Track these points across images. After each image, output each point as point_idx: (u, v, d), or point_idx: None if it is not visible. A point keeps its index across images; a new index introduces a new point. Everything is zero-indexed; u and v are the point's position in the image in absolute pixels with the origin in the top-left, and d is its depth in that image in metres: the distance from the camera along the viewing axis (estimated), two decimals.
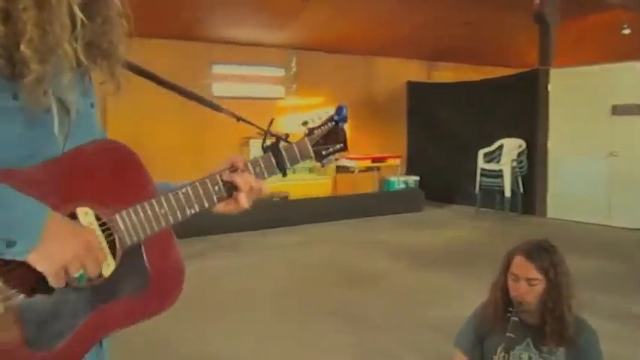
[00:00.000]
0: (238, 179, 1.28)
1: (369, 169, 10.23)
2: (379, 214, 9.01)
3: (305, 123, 1.44)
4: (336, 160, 1.46)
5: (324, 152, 1.41)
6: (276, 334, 4.21)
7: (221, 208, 1.31)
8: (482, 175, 8.98)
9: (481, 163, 8.99)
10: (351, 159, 9.96)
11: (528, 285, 2.20)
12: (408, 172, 10.72)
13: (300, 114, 9.93)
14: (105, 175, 1.13)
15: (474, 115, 9.70)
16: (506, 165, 8.67)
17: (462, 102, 9.98)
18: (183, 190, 1.22)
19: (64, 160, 1.08)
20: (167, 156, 8.69)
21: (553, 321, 2.17)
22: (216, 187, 1.27)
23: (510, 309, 2.21)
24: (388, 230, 8.03)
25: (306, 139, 1.39)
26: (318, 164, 1.43)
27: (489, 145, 9.09)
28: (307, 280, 5.58)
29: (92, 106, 1.23)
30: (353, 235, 7.74)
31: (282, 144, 1.38)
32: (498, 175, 8.71)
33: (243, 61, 9.49)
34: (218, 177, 1.28)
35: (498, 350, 2.16)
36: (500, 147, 9.01)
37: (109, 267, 1.11)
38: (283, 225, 8.08)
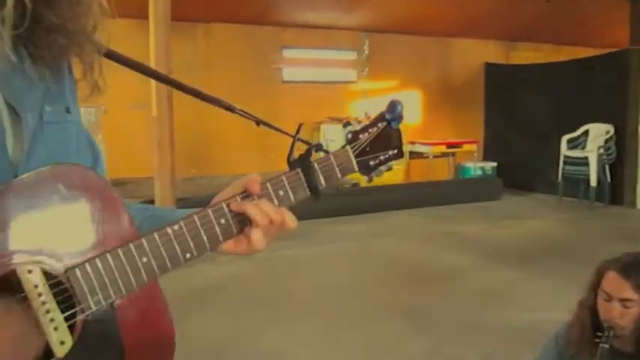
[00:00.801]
0: (252, 210, 0.92)
1: (443, 154, 9.88)
2: (454, 203, 8.63)
3: (347, 124, 1.20)
4: (388, 169, 1.15)
5: (372, 163, 1.10)
6: (338, 338, 4.00)
7: (229, 247, 0.96)
8: (565, 162, 8.45)
9: (564, 150, 8.47)
10: (425, 144, 9.66)
11: (622, 307, 1.89)
12: (485, 158, 10.27)
13: (372, 98, 9.70)
14: (57, 213, 0.80)
15: (557, 98, 9.12)
16: (592, 152, 8.13)
17: (544, 84, 9.41)
18: (175, 226, 0.87)
19: (6, 194, 0.78)
20: (234, 144, 8.67)
21: None
22: (222, 221, 0.92)
23: (600, 334, 1.92)
24: (463, 221, 7.67)
25: (347, 147, 1.08)
26: (365, 178, 1.12)
27: (573, 130, 8.53)
28: (374, 276, 5.34)
29: (67, 111, 0.98)
30: (425, 226, 7.43)
31: (317, 157, 1.06)
32: (583, 162, 8.18)
33: (314, 44, 9.29)
34: (225, 206, 0.92)
35: None
36: (586, 133, 8.44)
37: (64, 345, 0.80)
38: (353, 213, 7.84)
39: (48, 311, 0.78)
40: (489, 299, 4.67)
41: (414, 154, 9.77)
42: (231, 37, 8.60)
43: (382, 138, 1.11)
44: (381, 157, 1.11)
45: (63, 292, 0.80)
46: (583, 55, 9.19)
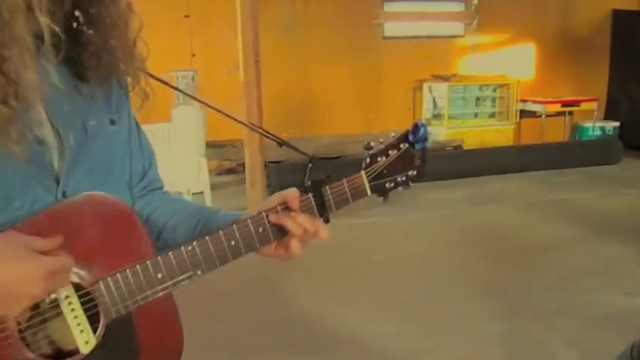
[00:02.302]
0: (290, 222, 1.06)
1: (558, 113, 9.17)
2: (567, 167, 7.94)
3: (369, 148, 1.16)
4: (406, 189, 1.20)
5: (387, 185, 1.16)
6: (420, 314, 3.81)
7: (268, 251, 1.10)
8: None
9: None
10: (537, 102, 9.00)
11: None
12: (607, 118, 9.39)
13: (481, 54, 9.11)
14: (88, 236, 0.97)
15: None
16: None
17: None
18: (189, 246, 1.01)
19: (39, 221, 0.94)
20: (334, 106, 8.47)
21: None
22: (261, 229, 1.07)
23: None
24: (574, 187, 7.05)
25: (362, 172, 1.14)
26: (381, 199, 1.17)
27: None
28: (462, 249, 5.01)
29: (112, 123, 1.10)
30: (531, 193, 6.90)
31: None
32: None
33: None
34: (264, 216, 1.07)
35: None
36: None
37: (87, 344, 0.96)
38: (454, 177, 7.39)
39: (75, 316, 0.94)
40: (585, 279, 4.28)
41: (525, 113, 9.18)
42: None
43: (403, 159, 1.16)
44: (398, 179, 1.16)
45: (89, 301, 0.96)
46: None
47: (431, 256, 4.86)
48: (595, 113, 9.19)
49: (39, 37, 0.92)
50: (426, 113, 8.96)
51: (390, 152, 1.15)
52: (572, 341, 3.35)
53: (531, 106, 9.06)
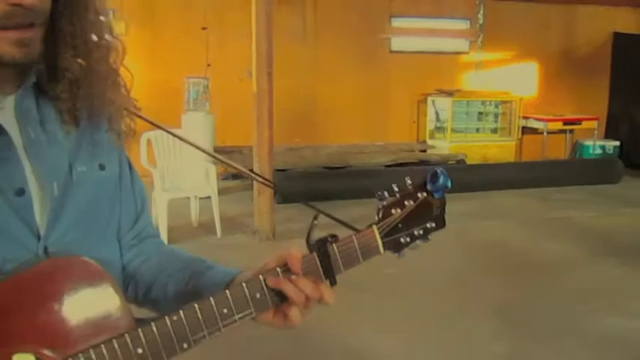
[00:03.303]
0: (290, 288, 0.94)
1: (560, 131, 9.31)
2: (567, 184, 8.05)
3: (381, 197, 1.03)
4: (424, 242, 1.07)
5: (402, 240, 1.03)
6: (427, 330, 3.83)
7: (265, 318, 0.97)
8: None
9: None
10: (539, 120, 9.13)
11: None
12: (607, 137, 9.55)
13: (485, 70, 9.25)
14: (58, 306, 0.84)
15: None
16: None
17: None
18: (174, 316, 0.88)
19: (3, 291, 0.83)
20: (341, 116, 8.58)
21: None
22: (258, 295, 0.93)
23: None
24: (576, 205, 7.14)
25: (374, 227, 1.01)
26: (395, 255, 1.04)
27: None
28: (466, 265, 5.05)
29: (102, 168, 1.00)
30: (532, 210, 7.00)
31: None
32: None
33: (424, 13, 8.93)
34: (262, 280, 0.94)
35: None
36: None
37: None
38: (454, 192, 7.46)
39: None
40: (591, 300, 4.28)
41: (527, 130, 9.29)
42: (339, 6, 8.44)
43: (420, 210, 1.04)
44: (415, 233, 1.04)
45: None
46: None
47: (438, 271, 4.87)
48: (595, 132, 9.33)
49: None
50: (430, 126, 9.08)
51: (406, 203, 1.03)
52: None
53: (533, 123, 9.19)
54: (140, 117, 1.04)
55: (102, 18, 0.95)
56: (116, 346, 0.84)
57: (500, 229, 6.15)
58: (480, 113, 9.33)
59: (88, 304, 0.87)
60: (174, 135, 1.21)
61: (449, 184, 1.04)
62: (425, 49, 9.01)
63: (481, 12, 9.16)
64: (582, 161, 9.09)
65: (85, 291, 0.87)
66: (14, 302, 0.83)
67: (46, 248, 0.90)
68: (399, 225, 1.03)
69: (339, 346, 3.61)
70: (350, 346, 3.61)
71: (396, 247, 1.04)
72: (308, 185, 7.14)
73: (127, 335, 0.85)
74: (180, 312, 0.89)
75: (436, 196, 1.05)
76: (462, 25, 9.24)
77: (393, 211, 1.02)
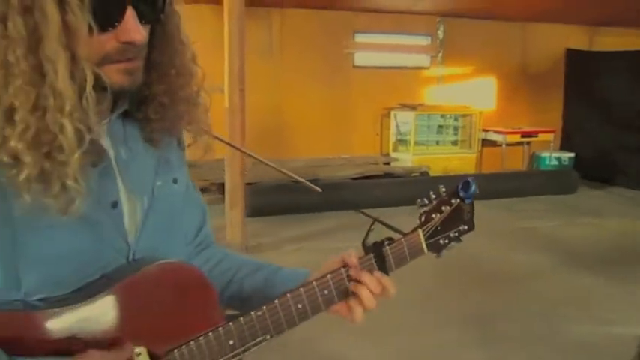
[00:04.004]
0: (361, 290, 1.09)
1: (518, 143, 9.61)
2: (527, 195, 8.34)
3: (422, 205, 1.19)
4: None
5: (442, 242, 1.20)
6: (404, 343, 3.92)
7: (334, 310, 1.12)
8: None
9: None
10: (498, 133, 9.41)
11: None
12: (563, 149, 9.91)
13: (445, 85, 9.49)
14: (164, 305, 0.98)
15: None
16: None
17: (628, 73, 8.93)
18: (259, 312, 1.02)
19: (118, 293, 0.94)
20: (307, 130, 8.67)
21: None
22: (326, 292, 1.08)
23: None
24: (535, 215, 7.41)
25: (419, 231, 1.18)
26: (433, 255, 1.20)
27: None
28: (439, 276, 5.14)
29: (175, 182, 1.11)
30: (497, 220, 7.19)
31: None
32: None
33: (386, 29, 9.12)
34: (330, 278, 1.09)
35: None
36: None
37: None
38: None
39: None
40: (562, 308, 4.47)
41: (486, 143, 9.56)
42: (304, 22, 8.56)
43: (454, 215, 1.20)
44: (451, 235, 1.21)
45: None
46: None
47: (411, 283, 4.98)
48: (551, 144, 9.66)
49: (102, 88, 0.90)
50: (393, 139, 9.26)
51: (443, 208, 1.20)
52: None
53: (492, 136, 9.47)
54: (216, 137, 1.16)
55: (186, 47, 1.04)
56: (212, 338, 0.98)
57: (469, 241, 6.23)
58: (441, 127, 9.56)
59: (190, 302, 1.00)
60: (248, 154, 1.30)
61: (477, 191, 1.20)
62: (388, 64, 9.21)
63: (441, 28, 9.42)
64: (540, 173, 9.41)
65: (187, 291, 1.00)
66: (129, 301, 0.94)
67: (134, 254, 1.01)
68: (438, 228, 1.19)
69: (321, 357, 3.68)
70: (332, 357, 3.68)
71: (436, 248, 1.20)
72: (277, 199, 7.20)
73: (220, 329, 0.98)
74: (264, 307, 1.02)
75: (467, 202, 1.22)
76: (423, 40, 9.48)
77: (434, 215, 1.19)
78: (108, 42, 0.88)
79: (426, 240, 1.18)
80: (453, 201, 1.20)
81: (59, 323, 0.89)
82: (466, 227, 1.23)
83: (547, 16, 9.65)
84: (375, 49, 9.22)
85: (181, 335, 0.97)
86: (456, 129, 9.63)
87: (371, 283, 1.09)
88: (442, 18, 9.36)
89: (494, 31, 9.57)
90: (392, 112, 9.20)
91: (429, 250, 1.19)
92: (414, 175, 8.52)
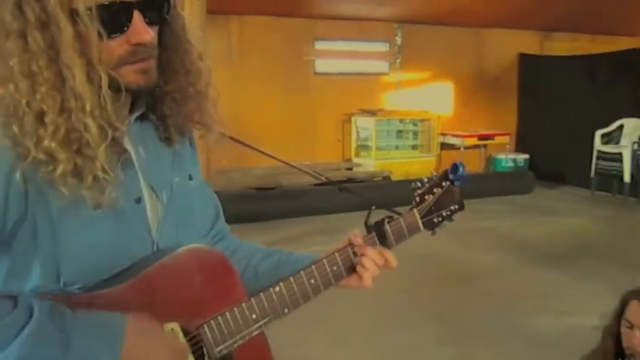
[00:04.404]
0: (366, 262, 1.22)
1: (475, 146, 9.86)
2: (486, 196, 8.57)
3: (416, 188, 1.29)
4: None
5: (435, 220, 1.29)
6: (375, 342, 4.03)
7: (344, 284, 1.25)
8: (598, 157, 8.36)
9: (598, 145, 8.37)
10: (456, 136, 9.64)
11: None
12: (518, 151, 10.21)
13: (404, 90, 9.69)
14: (191, 284, 1.07)
15: (592, 91, 8.99)
16: (626, 148, 8.02)
17: (579, 77, 9.28)
18: (276, 287, 1.13)
19: (149, 277, 1.03)
20: (268, 137, 8.70)
21: None
22: (335, 267, 1.21)
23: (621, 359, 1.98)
24: (497, 216, 7.62)
25: (415, 210, 1.28)
26: (429, 233, 1.31)
27: (608, 125, 8.42)
28: (406, 276, 5.26)
29: (190, 178, 1.21)
30: (459, 220, 7.25)
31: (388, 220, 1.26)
32: (617, 158, 8.08)
33: (346, 36, 9.28)
34: (337, 256, 1.21)
35: None
36: (620, 127, 8.33)
37: None
38: (385, 207, 7.80)
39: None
40: (523, 303, 4.66)
41: (445, 146, 9.78)
42: (264, 29, 8.63)
43: (445, 196, 1.28)
44: (444, 214, 1.29)
45: (196, 343, 1.06)
46: (620, 45, 9.01)
47: (379, 284, 5.13)
48: (507, 146, 9.96)
49: (118, 89, 0.99)
50: (355, 144, 9.41)
51: (435, 190, 1.28)
52: None
53: (451, 140, 9.70)
54: (230, 138, 1.25)
55: (192, 46, 1.14)
56: (237, 313, 1.09)
57: (433, 241, 6.38)
58: (401, 131, 9.75)
59: (217, 282, 1.10)
60: (263, 152, 1.39)
61: (466, 173, 1.27)
62: (348, 70, 9.36)
63: (399, 35, 9.63)
64: (497, 174, 9.68)
65: (213, 271, 1.10)
66: (163, 282, 1.04)
67: (157, 246, 1.10)
68: (432, 208, 1.28)
69: (295, 357, 3.74)
70: (305, 357, 3.76)
71: (431, 225, 1.29)
72: (239, 207, 7.22)
73: (244, 304, 1.10)
74: (281, 283, 1.13)
75: (456, 184, 1.29)
76: (382, 47, 9.67)
77: (427, 197, 1.27)
78: (121, 46, 0.97)
79: (421, 218, 1.27)
80: (443, 183, 1.28)
81: (103, 302, 0.98)
82: (457, 207, 1.30)
83: (500, 22, 9.96)
84: (335, 56, 9.37)
85: (209, 312, 1.07)
86: (415, 133, 9.84)
87: (374, 255, 1.21)
88: (400, 24, 9.57)
89: (450, 37, 9.83)
90: (352, 118, 9.35)
91: (424, 227, 1.28)
92: (376, 179, 8.66)
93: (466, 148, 9.62)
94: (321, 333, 4.11)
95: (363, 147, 9.42)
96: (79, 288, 0.99)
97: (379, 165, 9.01)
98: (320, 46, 9.21)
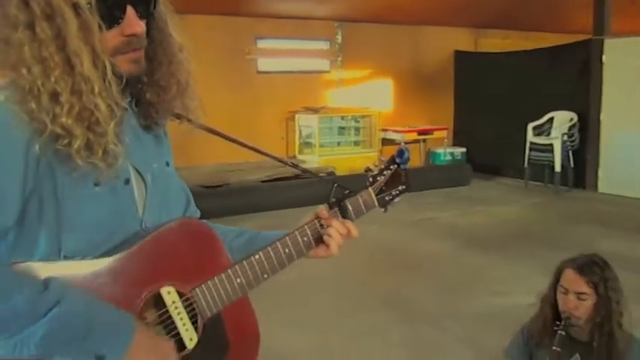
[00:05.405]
0: (331, 231, 1.35)
1: (415, 141, 10.16)
2: (426, 189, 8.87)
3: (368, 170, 1.44)
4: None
5: (387, 198, 1.44)
6: (333, 326, 4.24)
7: (314, 254, 1.38)
8: (531, 149, 8.78)
9: (530, 137, 8.79)
10: (397, 132, 9.92)
11: (577, 299, 2.16)
12: (455, 144, 10.59)
13: (345, 87, 9.90)
14: (184, 253, 1.19)
15: (523, 86, 9.44)
16: (556, 139, 8.46)
17: (511, 72, 9.71)
18: (256, 255, 1.27)
19: (147, 246, 1.14)
20: (215, 135, 8.77)
21: (601, 337, 2.15)
22: (305, 238, 1.34)
23: (558, 322, 2.20)
24: (435, 207, 7.94)
25: (370, 189, 1.42)
26: (381, 210, 1.44)
27: (539, 117, 8.86)
28: (360, 265, 5.54)
29: (167, 164, 1.32)
30: (401, 213, 7.62)
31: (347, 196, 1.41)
32: (548, 149, 8.52)
33: (288, 35, 9.43)
34: (306, 228, 1.35)
35: None
36: (551, 120, 8.78)
37: (192, 340, 1.18)
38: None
39: (181, 318, 1.17)
40: (464, 286, 4.97)
41: (386, 142, 10.03)
42: (206, 28, 8.66)
43: (394, 177, 1.44)
44: (393, 192, 1.45)
45: (189, 305, 1.18)
46: (550, 41, 9.46)
47: (331, 271, 5.32)
48: (445, 141, 10.31)
49: (118, 76, 1.10)
50: (298, 142, 9.57)
51: (385, 172, 1.42)
52: (463, 339, 3.95)
53: (392, 135, 9.98)
54: (206, 128, 1.40)
55: (174, 39, 1.26)
56: (224, 278, 1.22)
57: (379, 231, 6.69)
58: (343, 128, 9.97)
59: (205, 250, 1.23)
60: (237, 142, 1.49)
61: (410, 156, 1.44)
62: (290, 69, 9.51)
63: (339, 33, 9.84)
64: (436, 167, 10.03)
65: (203, 242, 1.24)
66: (160, 251, 1.16)
67: (145, 224, 1.21)
68: (383, 187, 1.43)
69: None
70: (266, 346, 3.89)
71: (383, 203, 1.44)
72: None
73: (229, 270, 1.24)
74: (260, 252, 1.28)
75: (402, 167, 1.45)
76: (323, 45, 9.88)
77: (379, 178, 1.43)
78: (115, 37, 1.09)
79: (375, 196, 1.42)
80: (391, 167, 1.44)
81: (101, 267, 1.09)
82: (404, 187, 1.45)
83: (436, 20, 10.31)
84: (277, 55, 9.51)
85: (200, 277, 1.20)
86: (357, 130, 10.08)
87: (339, 226, 1.35)
88: (340, 23, 9.78)
89: (388, 35, 10.11)
90: (296, 116, 9.50)
91: (378, 204, 1.42)
92: (321, 175, 8.83)
93: (406, 143, 9.88)
94: (272, 323, 4.20)
95: (306, 144, 9.59)
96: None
97: (323, 161, 9.20)
98: (262, 44, 9.32)
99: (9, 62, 1.02)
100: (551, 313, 2.26)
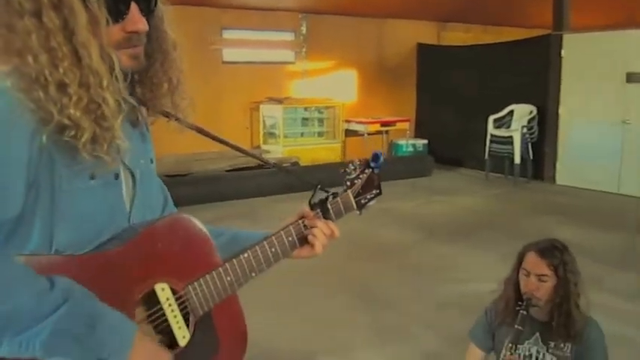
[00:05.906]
0: (316, 232, 1.38)
1: (378, 132, 10.27)
2: (388, 179, 8.96)
3: (343, 171, 1.47)
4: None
5: (363, 201, 1.47)
6: (298, 312, 4.32)
7: (298, 254, 1.40)
8: (492, 141, 8.97)
9: (491, 129, 8.97)
10: (360, 123, 10.02)
11: (538, 281, 2.27)
12: (417, 136, 10.74)
13: (310, 78, 9.95)
14: (176, 250, 1.19)
15: (484, 79, 9.64)
16: (516, 131, 8.66)
17: (472, 65, 9.89)
18: (245, 254, 1.29)
19: (141, 242, 1.14)
20: (177, 125, 8.70)
21: (560, 317, 2.26)
22: (290, 238, 1.37)
23: (520, 303, 2.30)
24: (397, 197, 8.02)
25: (349, 192, 1.45)
26: (357, 212, 1.48)
27: (499, 110, 9.06)
28: (328, 254, 5.54)
29: (152, 161, 1.32)
30: None
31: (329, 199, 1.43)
32: (508, 141, 8.72)
33: (253, 25, 9.43)
34: (291, 229, 1.37)
35: (506, 342, 2.25)
36: (511, 113, 8.97)
37: (184, 338, 1.19)
38: (295, 191, 8.07)
39: (175, 316, 1.18)
40: (427, 273, 5.11)
41: (349, 133, 10.13)
42: (170, 18, 8.57)
43: (369, 181, 1.47)
44: (368, 196, 1.48)
45: (182, 302, 1.19)
46: (511, 35, 9.65)
47: (299, 261, 5.39)
48: (408, 132, 10.45)
49: (125, 72, 1.09)
50: (262, 132, 9.59)
51: (361, 176, 1.45)
52: (428, 324, 4.07)
53: (355, 126, 10.07)
54: (194, 128, 1.39)
55: (168, 35, 1.26)
56: (215, 276, 1.24)
57: (345, 221, 6.72)
58: (306, 119, 10.01)
59: (197, 248, 1.24)
60: (215, 138, 1.50)
61: (384, 162, 1.48)
62: (255, 59, 9.51)
63: (304, 25, 9.87)
64: (399, 158, 10.16)
65: (195, 239, 1.24)
66: (154, 246, 1.16)
67: (131, 220, 1.20)
68: (360, 190, 1.46)
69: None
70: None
71: (360, 206, 1.47)
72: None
73: (220, 269, 1.25)
74: (248, 251, 1.30)
75: (376, 171, 1.48)
76: (288, 36, 9.90)
77: (356, 181, 1.46)
78: (117, 32, 1.08)
79: (354, 198, 1.45)
80: (366, 170, 1.46)
81: (94, 263, 1.09)
82: (377, 191, 1.49)
83: (400, 12, 10.41)
84: (242, 46, 9.49)
85: (192, 274, 1.20)
86: (320, 121, 10.14)
87: (323, 226, 1.38)
88: (305, 15, 9.81)
89: (353, 27, 10.18)
90: (260, 106, 9.51)
91: (356, 206, 1.46)
92: (285, 165, 8.87)
93: (369, 134, 10.02)
94: (247, 310, 4.28)
95: (270, 134, 9.62)
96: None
97: (287, 152, 9.24)
98: (227, 35, 9.30)
99: (12, 48, 1.00)
100: (514, 294, 2.36)
